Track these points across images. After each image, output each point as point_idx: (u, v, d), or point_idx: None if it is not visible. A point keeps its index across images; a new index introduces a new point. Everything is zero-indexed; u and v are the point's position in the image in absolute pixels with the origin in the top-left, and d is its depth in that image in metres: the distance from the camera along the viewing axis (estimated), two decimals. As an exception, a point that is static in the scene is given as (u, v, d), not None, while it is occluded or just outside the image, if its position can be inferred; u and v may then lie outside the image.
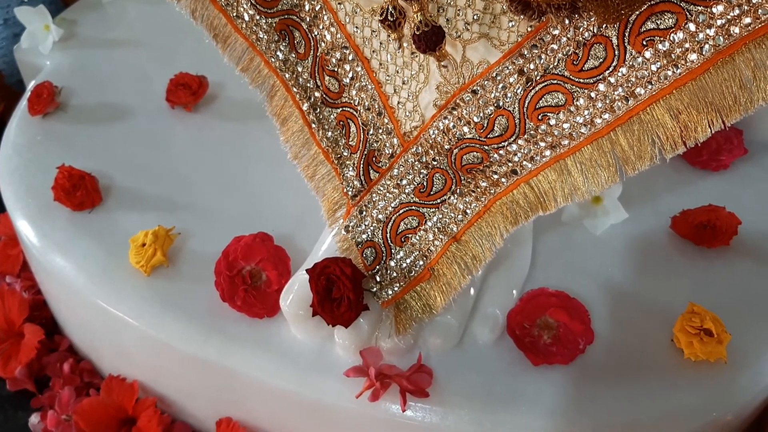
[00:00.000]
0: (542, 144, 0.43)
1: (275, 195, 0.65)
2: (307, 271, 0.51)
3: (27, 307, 0.72)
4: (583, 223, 0.61)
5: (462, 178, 0.48)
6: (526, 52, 0.41)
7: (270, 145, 0.58)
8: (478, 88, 0.44)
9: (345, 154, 0.53)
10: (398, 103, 0.49)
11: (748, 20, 0.34)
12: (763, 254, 0.60)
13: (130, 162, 0.69)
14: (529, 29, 0.40)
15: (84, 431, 0.64)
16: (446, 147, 0.47)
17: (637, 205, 0.63)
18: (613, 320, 0.55)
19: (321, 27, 0.50)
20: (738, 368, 0.52)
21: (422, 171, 0.49)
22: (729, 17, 0.34)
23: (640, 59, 0.37)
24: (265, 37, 0.52)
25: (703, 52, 0.35)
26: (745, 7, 0.34)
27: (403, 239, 0.51)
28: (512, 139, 0.44)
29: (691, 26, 0.35)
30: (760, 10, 0.34)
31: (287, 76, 0.53)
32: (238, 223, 0.61)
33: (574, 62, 0.40)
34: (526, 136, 0.43)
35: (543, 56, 0.41)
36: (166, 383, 0.62)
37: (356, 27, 0.48)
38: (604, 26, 0.38)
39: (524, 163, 0.44)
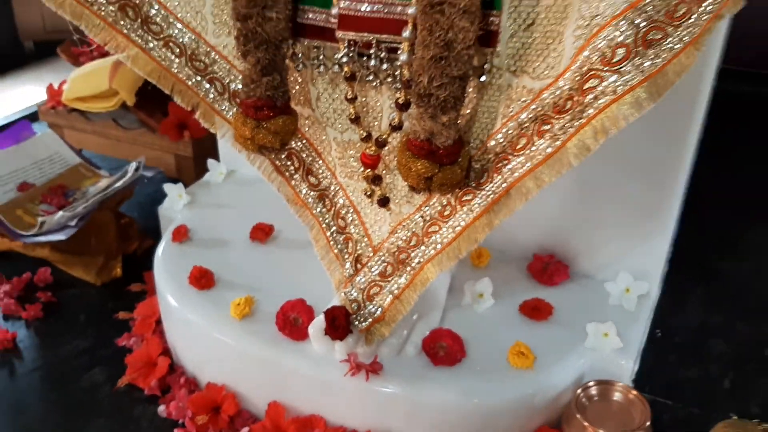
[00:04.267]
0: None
1: (309, 279, 1.09)
2: (324, 312, 0.99)
3: (159, 348, 1.19)
4: (471, 305, 1.09)
5: (399, 268, 0.97)
6: (421, 212, 0.92)
7: (307, 255, 1.08)
8: (407, 222, 0.94)
9: (346, 257, 1.02)
10: (372, 230, 0.99)
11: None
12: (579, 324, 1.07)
13: (230, 266, 1.18)
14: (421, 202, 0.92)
15: (192, 412, 1.08)
16: (394, 251, 0.97)
17: (504, 298, 1.11)
18: (478, 347, 1.01)
19: (337, 197, 1.02)
20: (539, 372, 0.98)
21: (382, 264, 0.98)
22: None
23: (458, 214, 0.87)
24: (311, 200, 1.04)
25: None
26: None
27: (372, 298, 0.99)
28: (417, 248, 0.93)
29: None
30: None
31: (320, 219, 1.03)
32: (289, 293, 1.08)
33: (444, 213, 0.90)
34: (422, 245, 0.93)
35: (426, 208, 0.91)
36: (239, 382, 1.08)
37: (353, 194, 1.00)
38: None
39: (421, 261, 0.93)
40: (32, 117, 1.97)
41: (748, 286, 1.43)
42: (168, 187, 1.36)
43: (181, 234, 1.23)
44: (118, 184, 1.38)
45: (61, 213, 1.32)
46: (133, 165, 1.41)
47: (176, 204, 1.35)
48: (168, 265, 1.18)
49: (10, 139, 1.57)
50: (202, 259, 1.17)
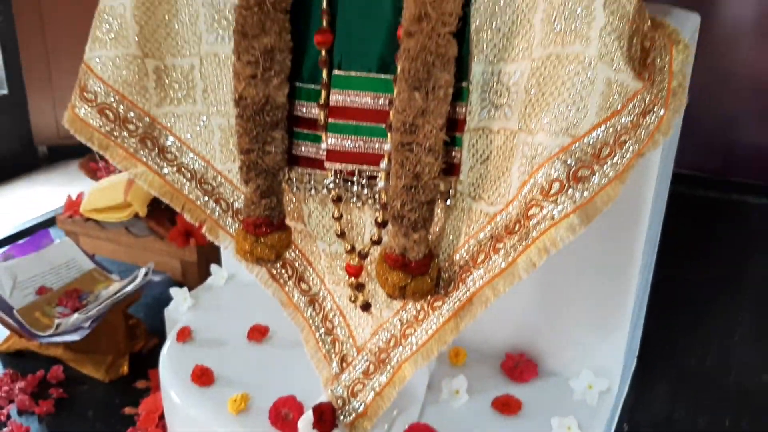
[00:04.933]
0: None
1: (300, 376, 1.18)
2: (312, 408, 1.08)
3: (162, 442, 1.28)
4: (448, 401, 1.19)
5: (380, 366, 1.07)
6: (399, 316, 1.03)
7: (298, 354, 1.18)
8: (387, 325, 1.05)
9: (333, 356, 1.12)
10: (356, 332, 1.10)
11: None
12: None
13: (228, 365, 1.27)
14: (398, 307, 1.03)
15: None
16: (376, 351, 1.07)
17: (478, 394, 1.21)
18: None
19: (325, 302, 1.13)
20: None
21: (365, 363, 1.08)
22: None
23: (430, 318, 0.99)
24: (302, 305, 1.15)
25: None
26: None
27: (355, 395, 1.09)
28: (396, 349, 1.04)
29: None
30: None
31: (310, 322, 1.14)
32: (281, 389, 1.17)
33: (418, 317, 1.01)
34: (400, 346, 1.04)
35: (403, 312, 1.03)
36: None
37: (340, 299, 1.11)
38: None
39: (399, 361, 1.04)
40: (49, 222, 2.11)
41: (712, 380, 1.52)
42: (174, 291, 1.47)
43: (185, 335, 1.34)
44: (128, 288, 1.50)
45: (76, 315, 1.43)
46: (143, 270, 1.53)
47: (181, 306, 1.46)
48: (172, 364, 1.28)
49: (32, 246, 1.70)
50: (204, 357, 1.27)
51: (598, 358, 1.22)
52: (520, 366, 1.24)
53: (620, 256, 1.16)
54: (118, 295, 1.50)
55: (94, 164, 1.94)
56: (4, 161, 2.92)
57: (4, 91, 2.91)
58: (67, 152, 3.05)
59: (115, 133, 1.06)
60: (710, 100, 2.60)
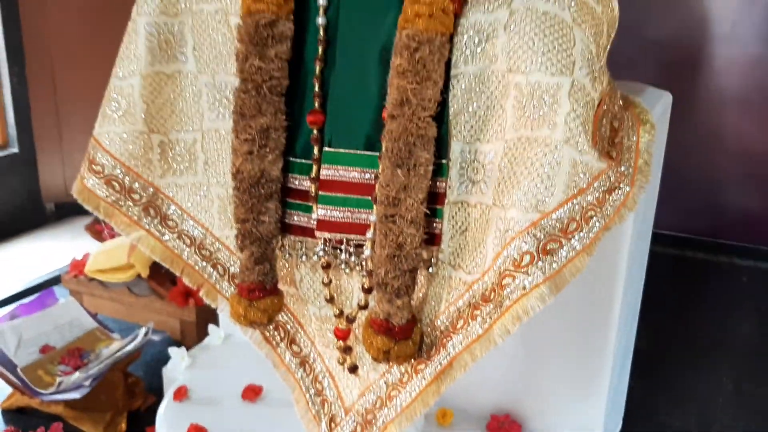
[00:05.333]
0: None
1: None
2: (301, 466, 1.11)
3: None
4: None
5: (366, 427, 1.11)
6: (385, 378, 1.08)
7: (290, 414, 1.22)
8: (373, 386, 1.10)
9: (323, 417, 1.16)
10: (344, 394, 1.14)
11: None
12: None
13: (223, 424, 1.31)
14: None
15: None
16: (363, 413, 1.11)
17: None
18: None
19: (315, 364, 1.18)
20: None
21: (352, 424, 1.12)
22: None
23: (413, 381, 1.03)
24: (293, 366, 1.19)
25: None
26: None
27: (343, 453, 1.12)
28: (382, 410, 1.08)
29: None
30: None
31: (301, 383, 1.19)
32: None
33: (403, 380, 1.06)
34: (386, 407, 1.08)
35: (388, 375, 1.07)
36: None
37: (329, 362, 1.16)
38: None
39: (384, 421, 1.08)
40: (55, 281, 2.17)
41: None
42: (172, 351, 1.52)
43: (182, 394, 1.38)
44: (128, 348, 1.55)
45: (77, 374, 1.48)
46: (143, 330, 1.58)
47: (179, 365, 1.50)
48: (169, 422, 1.32)
49: (37, 305, 1.75)
50: (200, 416, 1.31)
51: (580, 418, 1.26)
52: (504, 427, 1.28)
53: (597, 317, 1.21)
54: (118, 354, 1.54)
55: (99, 226, 2.01)
56: (13, 217, 2.99)
57: (15, 150, 3.00)
58: (74, 209, 3.12)
59: (120, 202, 1.12)
60: (698, 164, 2.68)
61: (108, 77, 1.10)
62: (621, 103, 1.12)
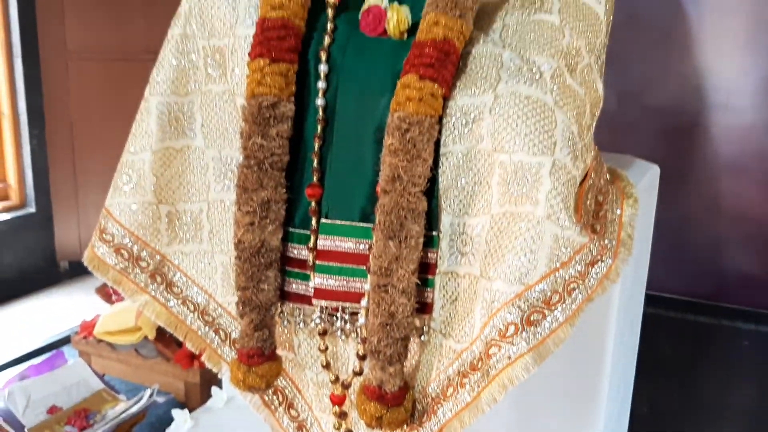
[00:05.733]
0: None
1: None
2: None
3: None
4: None
5: None
6: None
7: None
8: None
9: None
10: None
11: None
12: None
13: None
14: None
15: None
16: None
17: None
18: None
19: (312, 428, 1.20)
20: None
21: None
22: None
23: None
24: (291, 430, 1.22)
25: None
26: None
27: None
28: None
29: None
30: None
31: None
32: None
33: None
34: None
35: None
36: None
37: (325, 426, 1.18)
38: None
39: None
40: (65, 341, 2.21)
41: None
42: (175, 413, 1.54)
43: (183, 456, 1.40)
44: (133, 409, 1.58)
45: (82, 435, 1.50)
46: (148, 391, 1.61)
47: (181, 428, 1.53)
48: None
49: (47, 366, 1.79)
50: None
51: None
52: (499, 493, 1.29)
53: (587, 381, 1.23)
54: (123, 415, 1.57)
55: (108, 290, 2.06)
56: (28, 275, 3.05)
57: (32, 209, 3.08)
58: (87, 267, 3.19)
59: (128, 270, 1.17)
60: (699, 228, 2.72)
61: (124, 140, 1.16)
62: (607, 176, 1.17)
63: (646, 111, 2.72)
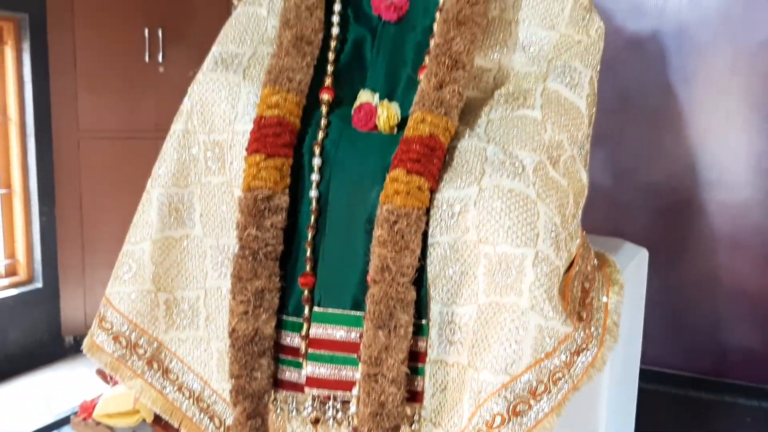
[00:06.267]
0: None
1: None
2: None
3: None
4: None
5: None
6: None
7: None
8: None
9: None
10: None
11: None
12: None
13: None
14: None
15: None
16: None
17: None
18: None
19: None
20: None
21: None
22: None
23: None
24: None
25: None
26: None
27: None
28: None
29: None
30: None
31: None
32: None
33: None
34: None
35: None
36: None
37: None
38: None
39: None
40: (65, 421, 2.20)
41: None
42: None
43: None
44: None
45: None
46: (145, 475, 1.59)
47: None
48: None
49: (44, 449, 1.77)
50: None
51: None
52: None
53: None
54: (118, 500, 1.55)
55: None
56: (33, 350, 3.05)
57: (39, 285, 3.10)
58: (92, 343, 3.18)
59: (125, 357, 1.18)
60: (698, 305, 2.71)
61: (131, 217, 1.19)
62: (595, 261, 1.19)
63: (641, 189, 2.75)
